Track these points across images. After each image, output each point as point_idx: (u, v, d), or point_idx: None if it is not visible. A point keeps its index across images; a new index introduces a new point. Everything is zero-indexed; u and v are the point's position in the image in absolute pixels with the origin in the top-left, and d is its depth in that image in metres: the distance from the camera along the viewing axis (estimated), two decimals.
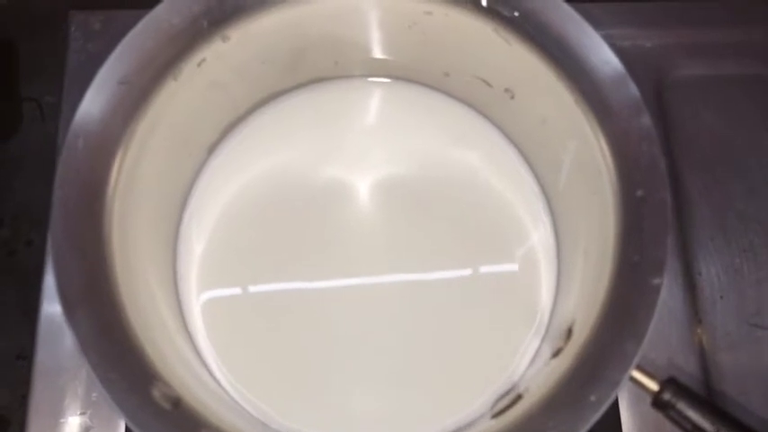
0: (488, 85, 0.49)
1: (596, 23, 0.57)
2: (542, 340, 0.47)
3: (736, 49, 0.58)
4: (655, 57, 0.57)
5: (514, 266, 0.49)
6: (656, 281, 0.36)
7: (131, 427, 0.34)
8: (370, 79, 0.53)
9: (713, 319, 0.51)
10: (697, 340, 0.50)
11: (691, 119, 0.56)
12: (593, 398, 0.35)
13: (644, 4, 0.58)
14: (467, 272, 0.49)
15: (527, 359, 0.47)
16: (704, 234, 0.53)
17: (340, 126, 0.53)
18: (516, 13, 0.42)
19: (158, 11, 0.41)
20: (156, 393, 0.36)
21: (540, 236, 0.50)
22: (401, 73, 0.53)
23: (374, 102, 0.54)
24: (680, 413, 0.36)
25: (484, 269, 0.49)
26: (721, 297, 0.52)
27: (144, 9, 0.42)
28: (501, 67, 0.46)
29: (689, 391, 0.37)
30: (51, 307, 0.49)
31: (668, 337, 0.50)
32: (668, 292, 0.51)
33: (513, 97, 0.48)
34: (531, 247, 0.50)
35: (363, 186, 0.51)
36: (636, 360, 0.35)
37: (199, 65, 0.43)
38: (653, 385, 0.37)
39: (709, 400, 0.37)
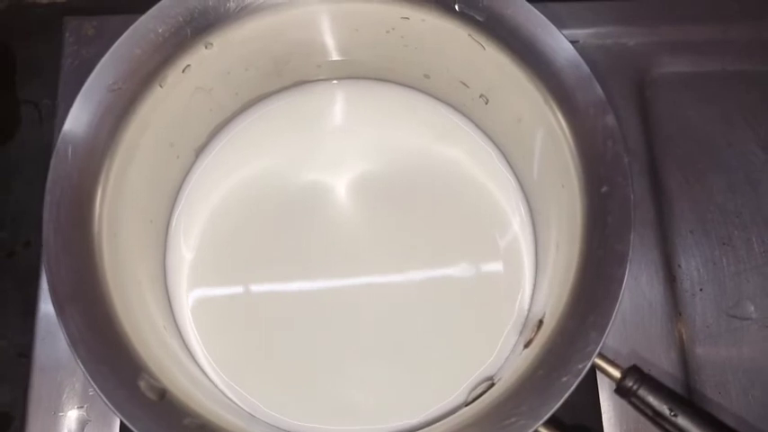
0: (466, 86, 0.50)
1: (579, 22, 0.58)
2: (520, 334, 0.48)
3: (717, 46, 0.58)
4: (637, 54, 0.58)
5: (498, 263, 0.50)
6: (620, 273, 0.37)
7: (118, 417, 0.36)
8: (354, 81, 0.54)
9: (692, 311, 0.52)
10: (676, 332, 0.51)
11: (672, 115, 0.56)
12: (557, 384, 0.36)
13: (626, 3, 0.59)
14: (451, 267, 0.50)
15: (506, 352, 0.48)
16: (684, 227, 0.54)
17: (325, 127, 0.54)
18: (487, 18, 0.43)
19: (144, 20, 0.43)
20: (142, 385, 0.37)
21: (520, 232, 0.51)
22: (383, 75, 0.54)
23: (358, 103, 0.54)
24: (641, 399, 0.37)
25: (468, 265, 0.50)
26: (701, 289, 0.52)
27: (136, 14, 0.43)
28: (477, 69, 0.47)
29: (650, 378, 0.38)
30: (49, 306, 0.48)
31: (648, 328, 0.51)
32: (648, 284, 0.52)
33: (487, 102, 0.49)
34: (513, 243, 0.51)
35: (349, 185, 0.52)
36: (599, 348, 0.36)
37: (184, 71, 0.44)
38: (616, 372, 0.38)
39: (669, 388, 0.38)
